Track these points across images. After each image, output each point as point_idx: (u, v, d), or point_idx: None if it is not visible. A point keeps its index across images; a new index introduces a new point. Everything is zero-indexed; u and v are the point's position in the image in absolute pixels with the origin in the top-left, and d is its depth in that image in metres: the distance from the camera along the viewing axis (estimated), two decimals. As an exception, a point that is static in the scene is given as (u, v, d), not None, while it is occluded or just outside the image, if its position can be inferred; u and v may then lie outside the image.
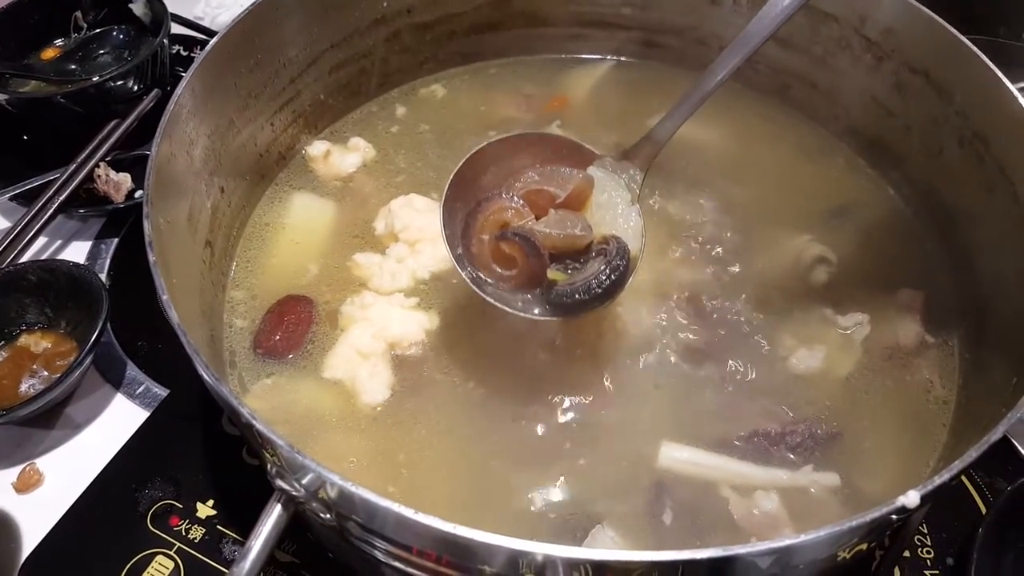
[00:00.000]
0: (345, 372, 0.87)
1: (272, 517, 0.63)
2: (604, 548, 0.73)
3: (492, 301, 0.82)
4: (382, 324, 0.90)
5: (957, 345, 0.92)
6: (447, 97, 1.19)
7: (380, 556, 0.65)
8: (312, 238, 1.01)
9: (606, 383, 0.88)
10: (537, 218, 0.83)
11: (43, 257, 1.26)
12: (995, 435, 0.61)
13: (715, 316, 0.93)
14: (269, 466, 0.65)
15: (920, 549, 0.94)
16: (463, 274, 0.83)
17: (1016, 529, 0.90)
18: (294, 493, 0.63)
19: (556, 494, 0.80)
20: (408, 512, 0.54)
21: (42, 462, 1.03)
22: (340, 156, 1.09)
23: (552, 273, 0.82)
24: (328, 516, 0.64)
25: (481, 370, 0.88)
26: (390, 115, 1.16)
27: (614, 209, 0.85)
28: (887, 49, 1.01)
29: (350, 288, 0.96)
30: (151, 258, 0.69)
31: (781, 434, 0.84)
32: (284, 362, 0.89)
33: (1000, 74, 0.90)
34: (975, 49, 0.92)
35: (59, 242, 1.29)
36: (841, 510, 0.81)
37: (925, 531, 0.95)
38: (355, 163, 1.08)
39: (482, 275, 0.83)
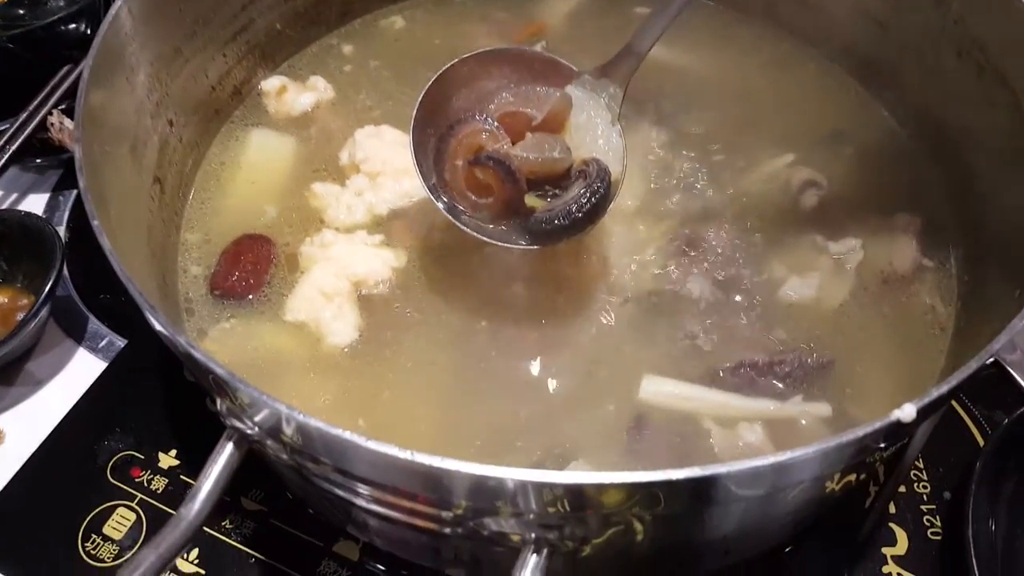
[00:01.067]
0: (308, 314, 0.83)
1: (223, 456, 0.59)
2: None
3: (468, 231, 0.78)
4: (345, 263, 0.85)
5: (955, 268, 0.88)
6: (411, 28, 1.13)
7: (342, 494, 0.61)
8: (271, 177, 0.96)
9: (585, 316, 0.83)
10: (513, 142, 0.79)
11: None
12: (998, 343, 0.57)
13: (701, 245, 0.88)
14: (219, 403, 0.60)
15: (916, 484, 0.91)
16: (438, 204, 0.79)
17: (1014, 461, 0.88)
18: (247, 431, 0.59)
19: (532, 430, 0.76)
20: (362, 440, 0.49)
21: (3, 419, 0.99)
22: (295, 94, 1.03)
23: (530, 200, 0.78)
24: (285, 456, 0.59)
25: (452, 307, 0.84)
26: (352, 47, 1.10)
27: (594, 130, 0.82)
28: (878, -43, 0.95)
29: (311, 228, 0.90)
30: (81, 183, 0.64)
31: (769, 364, 0.80)
32: (243, 305, 0.84)
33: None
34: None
35: (15, 194, 1.24)
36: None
37: (921, 466, 0.92)
38: (310, 102, 1.02)
39: (457, 204, 0.79)
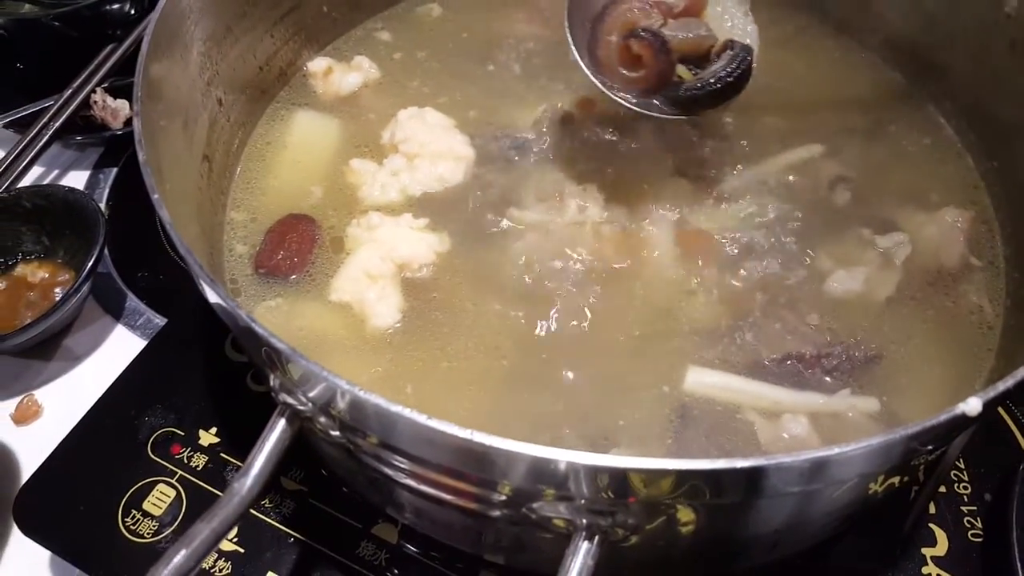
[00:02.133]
0: (353, 295, 0.83)
1: (276, 432, 0.59)
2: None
3: (622, 102, 0.84)
4: (391, 245, 0.85)
5: (1004, 266, 0.87)
6: (452, 14, 1.12)
7: (391, 474, 0.61)
8: (315, 157, 0.96)
9: (631, 306, 0.83)
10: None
11: (40, 187, 1.22)
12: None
13: (749, 237, 0.88)
14: (272, 379, 0.60)
15: (957, 485, 0.90)
16: (594, 80, 0.84)
17: None
18: (299, 407, 0.59)
19: (575, 417, 0.76)
20: (421, 418, 0.49)
21: (40, 394, 1.00)
22: (342, 74, 1.03)
23: (680, 71, 0.83)
24: (336, 432, 0.59)
25: (495, 291, 0.84)
26: (393, 32, 1.10)
27: (731, 19, 0.86)
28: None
29: (356, 210, 0.90)
30: (140, 156, 0.64)
31: (816, 357, 0.79)
32: (287, 284, 0.84)
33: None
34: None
35: (56, 171, 1.25)
36: (882, 434, 0.76)
37: (962, 467, 0.91)
38: (356, 82, 1.03)
39: (608, 80, 0.84)
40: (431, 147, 0.91)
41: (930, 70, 1.00)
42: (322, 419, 0.59)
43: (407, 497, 0.69)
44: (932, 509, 0.88)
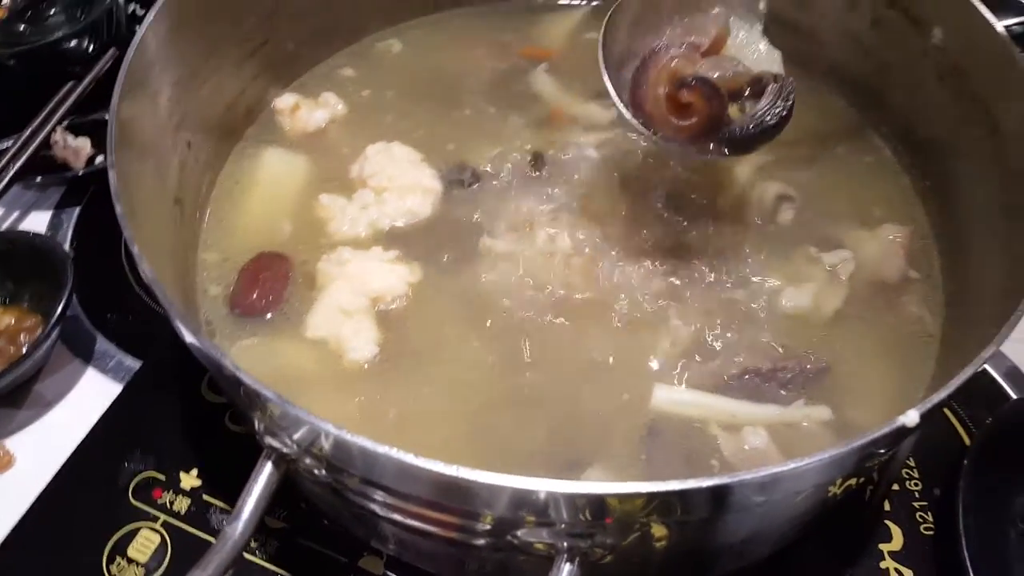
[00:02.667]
0: (328, 330, 0.85)
1: (263, 475, 0.61)
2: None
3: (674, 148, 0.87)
4: (362, 280, 0.88)
5: (940, 278, 0.93)
6: (412, 50, 1.15)
7: (377, 510, 0.64)
8: (284, 194, 0.98)
9: (595, 330, 0.87)
10: None
11: (2, 229, 1.21)
12: (988, 352, 0.61)
13: (701, 259, 0.92)
14: (257, 423, 0.62)
15: (908, 482, 0.96)
16: (644, 131, 0.85)
17: (999, 457, 0.92)
18: (285, 450, 0.61)
19: (548, 440, 0.79)
20: (408, 457, 0.52)
21: (11, 442, 1.00)
22: (309, 111, 1.05)
23: (731, 111, 0.84)
24: (322, 472, 0.62)
25: (468, 319, 0.87)
26: (357, 68, 1.13)
27: (752, 46, 0.88)
28: (863, -15, 1.00)
29: (325, 242, 0.93)
30: (118, 209, 0.66)
31: (772, 371, 0.84)
32: (263, 322, 0.86)
33: (978, 3, 0.89)
34: (954, -22, 0.91)
35: (16, 213, 1.24)
36: (834, 443, 0.80)
37: (912, 464, 0.97)
38: (324, 118, 1.05)
39: (659, 131, 0.85)
40: (399, 181, 0.94)
41: (868, 97, 1.06)
42: (307, 460, 0.62)
43: (392, 530, 0.72)
44: (887, 507, 0.93)
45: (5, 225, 1.23)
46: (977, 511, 0.88)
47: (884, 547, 0.91)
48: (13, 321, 1.06)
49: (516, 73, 1.12)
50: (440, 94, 1.08)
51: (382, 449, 0.54)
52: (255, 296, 0.87)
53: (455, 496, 0.57)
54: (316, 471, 0.62)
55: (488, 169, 0.99)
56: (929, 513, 0.93)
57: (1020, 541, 0.91)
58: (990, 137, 0.88)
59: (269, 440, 0.62)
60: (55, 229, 1.22)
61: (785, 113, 0.82)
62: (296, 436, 0.59)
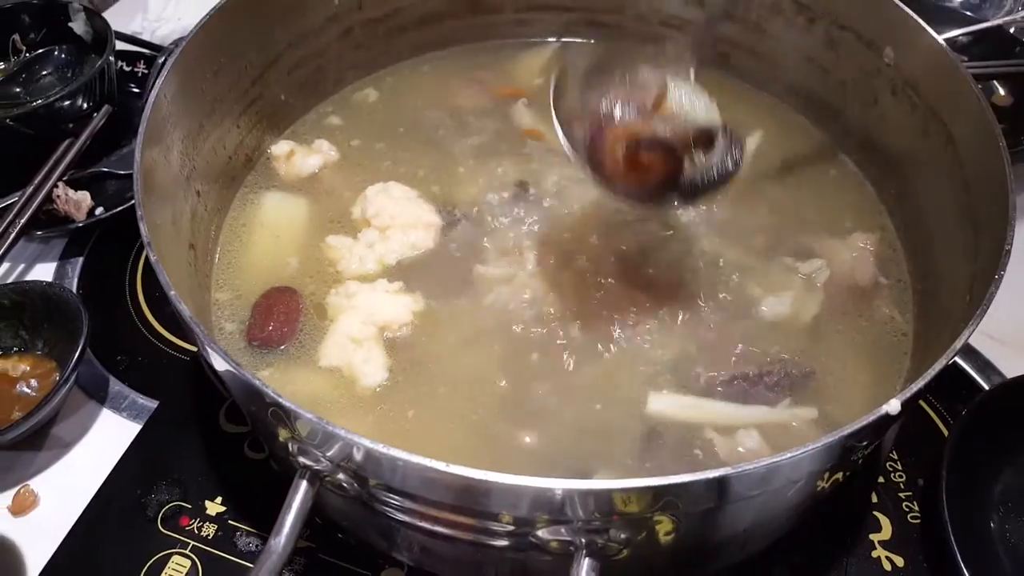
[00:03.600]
0: (340, 359, 0.90)
1: (300, 492, 0.65)
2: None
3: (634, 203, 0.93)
4: (370, 310, 0.93)
5: (909, 279, 0.99)
6: (388, 98, 1.21)
7: (406, 518, 0.68)
8: (289, 232, 1.03)
9: (591, 346, 0.92)
10: None
11: (8, 282, 1.24)
12: (960, 342, 0.67)
13: (689, 274, 0.98)
14: (290, 445, 0.67)
15: (892, 474, 1.01)
16: (607, 189, 0.88)
17: (976, 445, 0.97)
18: (318, 467, 0.66)
19: (553, 450, 0.84)
20: (441, 465, 0.57)
21: (35, 483, 1.02)
22: (303, 157, 1.10)
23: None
24: (353, 485, 0.66)
25: (470, 342, 0.92)
26: (345, 115, 1.19)
27: (691, 100, 0.90)
28: (817, 11, 1.08)
29: (331, 277, 0.98)
30: (152, 257, 0.70)
31: (759, 375, 0.89)
32: (278, 353, 0.91)
33: (924, 23, 0.97)
34: (898, 2, 0.99)
35: (23, 266, 1.28)
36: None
37: (895, 457, 1.02)
38: (317, 163, 1.10)
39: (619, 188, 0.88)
40: (401, 218, 0.99)
41: (827, 113, 1.13)
42: (339, 475, 0.66)
43: (417, 538, 0.76)
44: (874, 499, 0.98)
45: (12, 276, 1.25)
46: (959, 498, 0.93)
47: (875, 537, 0.95)
48: (28, 368, 1.09)
49: (494, 110, 1.18)
50: (424, 135, 1.14)
51: (415, 459, 0.58)
52: (271, 328, 0.91)
53: (481, 499, 0.61)
54: (347, 485, 0.67)
55: (476, 201, 1.05)
56: (914, 502, 0.98)
57: (1001, 524, 0.96)
58: (945, 146, 0.95)
59: (303, 459, 0.66)
60: (61, 278, 1.25)
61: (739, 158, 0.87)
62: (330, 452, 0.64)
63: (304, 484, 0.66)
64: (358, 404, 0.87)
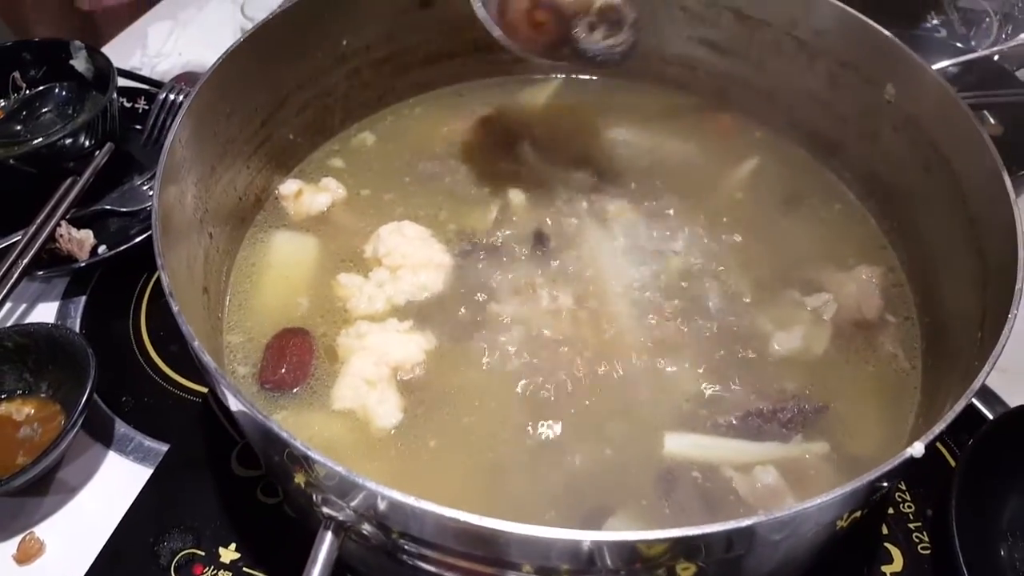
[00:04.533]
0: (354, 401, 0.89)
1: (325, 545, 0.65)
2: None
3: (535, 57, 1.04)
4: (382, 351, 0.92)
5: (916, 313, 1.00)
6: (384, 141, 1.22)
7: (429, 567, 0.68)
8: (297, 273, 1.03)
9: (606, 386, 0.92)
10: None
11: (9, 323, 1.24)
12: (979, 382, 0.68)
13: (696, 313, 0.99)
14: (315, 496, 0.67)
15: (902, 505, 1.02)
16: (507, 43, 0.99)
17: (983, 475, 0.98)
18: (342, 518, 0.66)
19: (571, 492, 0.84)
20: (473, 518, 0.57)
21: (40, 530, 1.01)
22: (311, 195, 1.11)
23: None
24: (378, 535, 0.66)
25: (483, 381, 0.92)
26: (356, 148, 1.19)
27: None
28: (818, 48, 1.10)
29: (341, 316, 0.98)
30: (174, 307, 0.70)
31: (773, 411, 0.90)
32: (291, 396, 0.91)
33: (922, 60, 0.99)
34: (898, 41, 1.01)
35: (24, 305, 1.27)
36: (835, 474, 0.87)
37: (904, 488, 1.03)
38: (326, 202, 1.10)
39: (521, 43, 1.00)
40: (412, 258, 0.99)
41: (829, 147, 1.15)
42: (364, 525, 0.66)
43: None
44: (885, 530, 0.99)
45: (14, 317, 1.25)
46: (969, 527, 0.94)
47: (886, 568, 0.96)
48: (33, 411, 1.08)
49: (502, 148, 1.19)
50: (431, 173, 1.15)
51: (439, 510, 0.58)
52: (284, 371, 0.91)
53: (508, 549, 0.61)
54: (371, 535, 0.66)
55: (491, 235, 1.06)
56: (924, 533, 0.99)
57: (1011, 552, 0.97)
58: (947, 181, 0.96)
59: (327, 510, 0.66)
60: (63, 318, 1.24)
61: (627, 48, 0.98)
62: (354, 503, 0.64)
63: (329, 535, 0.66)
64: (375, 446, 0.87)
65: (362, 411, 0.89)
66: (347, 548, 0.68)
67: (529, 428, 0.89)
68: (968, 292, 0.89)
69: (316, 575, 0.64)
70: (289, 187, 1.10)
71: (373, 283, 0.99)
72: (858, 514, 0.82)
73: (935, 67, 1.58)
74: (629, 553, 0.61)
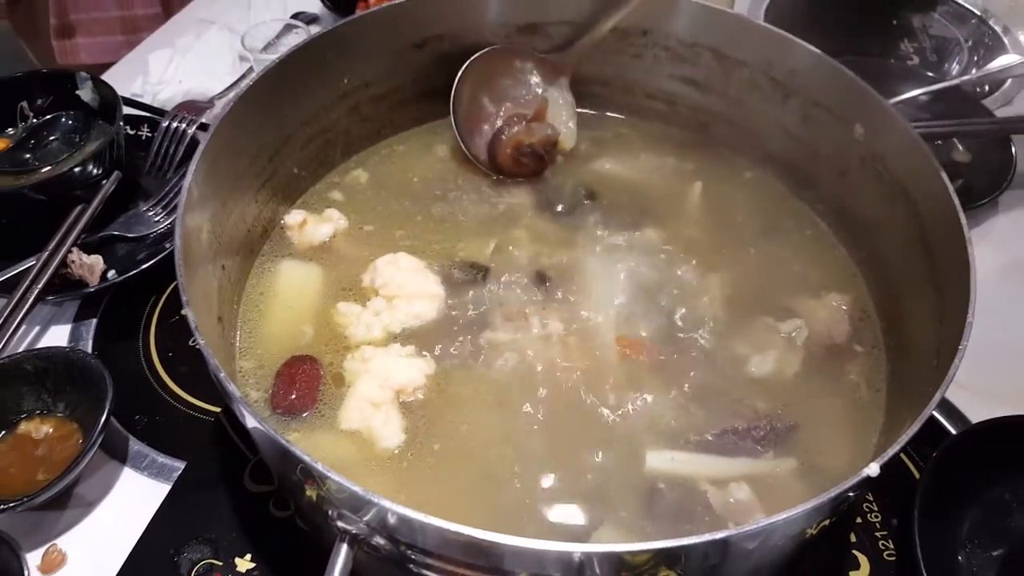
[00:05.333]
0: (360, 422, 0.96)
1: (341, 557, 0.71)
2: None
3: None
4: (386, 374, 0.99)
5: (882, 338, 1.07)
6: (377, 178, 1.28)
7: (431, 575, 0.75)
8: (303, 300, 1.10)
9: (599, 403, 0.99)
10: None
11: (24, 345, 1.29)
12: (929, 409, 0.75)
13: (677, 340, 1.06)
14: (330, 511, 0.73)
15: (869, 514, 1.08)
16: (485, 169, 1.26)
17: (945, 488, 1.05)
18: (355, 531, 0.72)
19: (561, 507, 0.91)
20: (474, 532, 0.64)
21: (62, 542, 1.07)
22: (315, 225, 1.17)
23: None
24: (388, 547, 0.73)
25: (480, 403, 0.99)
26: (355, 181, 1.26)
27: (561, 111, 1.29)
28: (792, 88, 1.17)
29: (342, 344, 1.04)
30: (200, 341, 0.76)
31: (747, 429, 0.97)
32: (301, 420, 0.97)
33: (887, 103, 1.06)
34: (865, 84, 1.08)
35: (37, 328, 1.32)
36: (802, 489, 0.93)
37: (871, 499, 1.10)
38: (328, 232, 1.17)
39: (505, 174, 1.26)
40: (407, 289, 1.06)
41: (802, 179, 1.22)
42: (376, 538, 0.73)
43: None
44: (853, 538, 1.06)
45: (27, 340, 1.30)
46: (931, 536, 1.00)
47: (853, 574, 1.03)
48: (51, 430, 1.14)
49: (493, 183, 1.26)
50: (427, 204, 1.22)
51: (457, 528, 0.65)
52: (294, 397, 0.97)
53: (507, 560, 0.68)
54: (381, 547, 0.73)
55: (484, 266, 1.13)
56: (889, 541, 1.06)
57: (968, 559, 1.04)
58: (909, 215, 1.03)
59: (341, 524, 0.72)
60: (76, 340, 1.30)
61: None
62: (367, 517, 0.70)
63: (344, 547, 0.72)
64: (377, 465, 0.93)
65: (367, 432, 0.95)
66: (359, 559, 0.75)
67: (521, 446, 0.96)
68: (928, 320, 0.95)
69: (333, 586, 0.70)
70: (294, 217, 1.16)
71: (370, 312, 1.06)
72: (826, 522, 0.89)
73: (907, 95, 1.68)
74: (616, 563, 0.68)
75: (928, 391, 0.80)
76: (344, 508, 0.72)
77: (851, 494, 0.75)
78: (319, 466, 0.68)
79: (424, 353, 1.03)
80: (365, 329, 1.05)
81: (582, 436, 0.97)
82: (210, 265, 0.96)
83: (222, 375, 0.74)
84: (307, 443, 0.95)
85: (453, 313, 1.07)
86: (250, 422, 0.73)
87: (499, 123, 1.25)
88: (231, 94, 1.62)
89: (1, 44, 2.53)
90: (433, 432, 0.96)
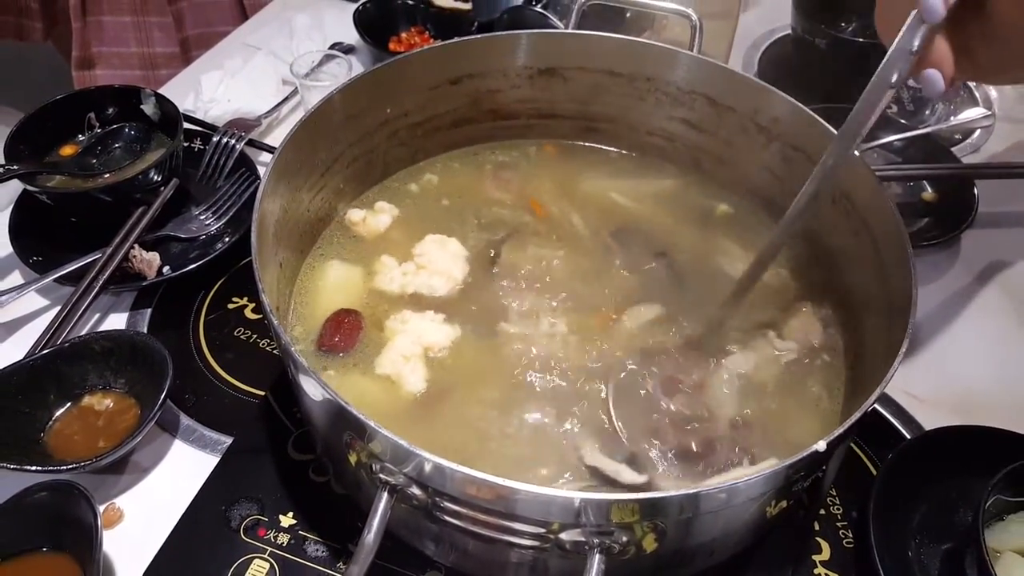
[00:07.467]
0: (392, 369, 1.14)
1: (383, 501, 0.86)
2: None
3: None
4: (419, 334, 1.18)
5: (843, 350, 1.22)
6: (440, 179, 1.46)
7: (460, 523, 0.88)
8: (350, 289, 1.27)
9: (592, 394, 1.15)
10: None
11: (85, 329, 1.44)
12: (871, 400, 0.89)
13: (674, 348, 1.20)
14: (373, 464, 0.88)
15: (832, 507, 1.22)
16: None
17: (898, 485, 1.18)
18: (394, 481, 0.87)
19: (565, 457, 1.07)
20: (515, 484, 0.79)
21: (120, 501, 1.21)
22: (374, 217, 1.37)
23: None
24: (421, 496, 0.87)
25: (492, 367, 1.16)
26: (396, 197, 1.43)
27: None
28: (774, 133, 1.32)
29: (385, 308, 1.23)
30: (283, 339, 0.93)
31: (727, 436, 1.10)
32: (338, 360, 1.15)
33: (857, 154, 1.22)
34: (836, 132, 1.24)
35: (97, 315, 1.47)
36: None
37: (834, 494, 1.24)
38: (386, 221, 1.37)
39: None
40: (436, 265, 1.26)
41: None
42: (412, 488, 0.87)
43: (462, 541, 0.97)
44: (817, 527, 1.19)
45: (89, 325, 1.45)
46: (885, 528, 1.09)
47: (816, 558, 1.16)
48: (112, 403, 1.29)
49: (517, 204, 1.43)
50: (459, 220, 1.39)
51: (495, 480, 0.79)
52: (337, 339, 1.17)
53: (531, 509, 0.83)
54: (415, 496, 0.87)
55: (508, 267, 1.31)
56: (849, 531, 1.19)
57: (917, 549, 1.16)
58: (871, 246, 1.17)
59: (383, 476, 0.87)
60: (132, 327, 1.45)
61: None
62: (407, 469, 0.85)
63: (385, 495, 0.87)
64: (401, 407, 1.10)
65: (396, 377, 1.13)
66: (394, 512, 0.90)
67: (530, 407, 1.12)
68: (883, 339, 1.08)
69: (376, 524, 0.85)
70: (357, 214, 1.37)
71: (400, 271, 1.26)
72: (784, 503, 1.04)
73: (884, 141, 1.85)
74: (607, 510, 0.83)
75: (871, 390, 0.95)
76: (386, 460, 0.87)
77: (803, 470, 0.91)
78: (371, 422, 0.84)
79: (452, 322, 1.21)
80: (388, 282, 1.25)
81: (584, 404, 1.13)
82: (272, 265, 1.13)
83: (292, 349, 0.90)
84: (341, 381, 1.13)
85: (478, 296, 1.25)
86: (311, 382, 0.89)
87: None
88: (283, 112, 1.86)
89: (43, 63, 2.71)
90: (448, 386, 1.13)
